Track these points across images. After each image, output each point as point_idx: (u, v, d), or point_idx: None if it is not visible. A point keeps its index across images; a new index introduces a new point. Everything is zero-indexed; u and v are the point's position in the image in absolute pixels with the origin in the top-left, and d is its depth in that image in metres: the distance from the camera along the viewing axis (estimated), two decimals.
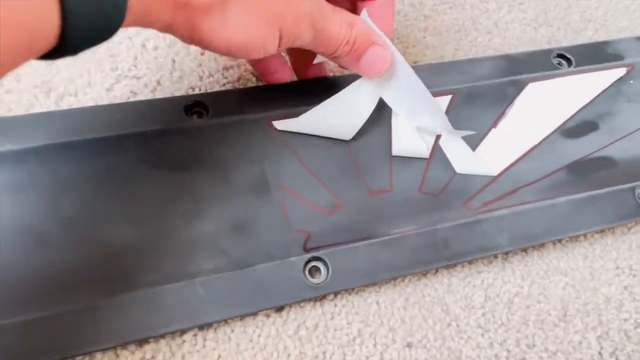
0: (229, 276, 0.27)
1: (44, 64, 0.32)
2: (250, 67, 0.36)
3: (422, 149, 0.33)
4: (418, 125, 0.34)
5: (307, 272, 0.28)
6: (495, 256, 0.32)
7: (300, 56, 0.34)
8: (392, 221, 0.31)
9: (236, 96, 0.34)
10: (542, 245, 0.33)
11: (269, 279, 0.28)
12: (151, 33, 0.36)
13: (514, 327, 0.29)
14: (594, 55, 0.41)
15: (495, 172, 0.34)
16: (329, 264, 0.28)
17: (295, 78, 0.35)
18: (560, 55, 0.41)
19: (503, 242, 0.31)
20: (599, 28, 0.46)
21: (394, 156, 0.33)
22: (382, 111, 0.34)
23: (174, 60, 0.35)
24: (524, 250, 0.32)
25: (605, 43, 0.42)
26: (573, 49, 0.41)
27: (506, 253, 0.32)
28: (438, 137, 0.34)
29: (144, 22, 0.22)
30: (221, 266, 0.27)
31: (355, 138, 0.33)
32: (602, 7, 0.48)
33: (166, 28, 0.23)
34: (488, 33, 0.44)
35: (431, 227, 0.30)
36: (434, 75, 0.37)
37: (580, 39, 0.45)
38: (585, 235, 0.34)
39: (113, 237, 0.27)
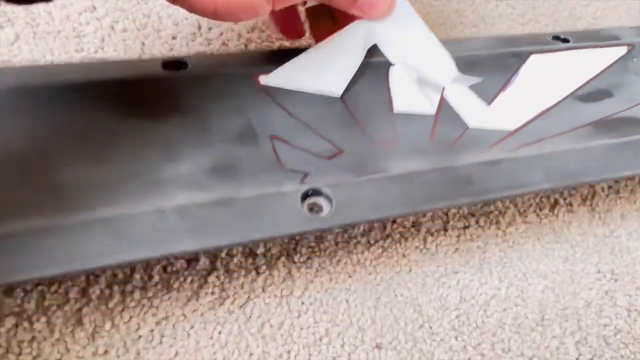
0: (209, 205, 0.23)
1: (4, 45, 0.31)
2: None
3: (427, 105, 0.30)
4: (420, 76, 0.31)
5: (305, 207, 0.24)
6: (473, 256, 0.29)
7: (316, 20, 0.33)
8: (402, 163, 0.27)
9: (219, 57, 0.31)
10: (522, 245, 0.30)
11: (259, 208, 0.24)
12: (120, 14, 0.34)
13: (489, 330, 0.27)
14: (591, 37, 0.39)
15: (514, 126, 0.31)
16: (331, 197, 0.24)
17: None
18: (557, 38, 0.38)
19: (538, 179, 0.27)
20: (588, 26, 0.45)
21: (396, 114, 0.30)
22: (379, 63, 0.31)
23: (143, 44, 0.33)
24: (502, 250, 0.30)
25: (601, 29, 0.40)
26: (569, 33, 0.38)
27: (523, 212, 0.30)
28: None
29: None
30: (200, 201, 0.24)
31: (350, 95, 0.30)
32: (591, 5, 0.46)
33: None
34: (474, 27, 0.42)
35: (451, 165, 0.27)
36: None
37: None
38: (566, 238, 0.31)
39: (77, 171, 0.24)
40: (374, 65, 0.31)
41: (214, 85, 0.29)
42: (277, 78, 0.30)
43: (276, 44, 0.36)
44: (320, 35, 0.33)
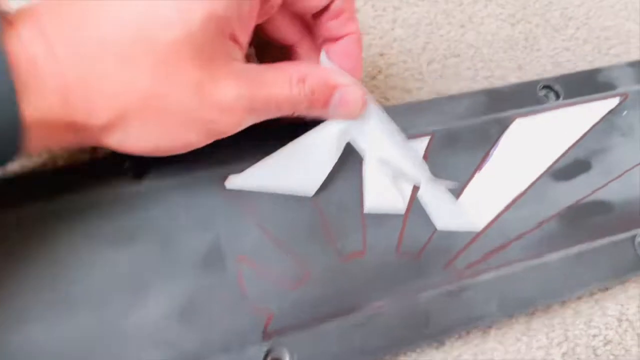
0: None
1: None
2: None
3: (398, 203, 0.30)
4: (392, 175, 0.30)
5: None
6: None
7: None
8: (365, 293, 0.28)
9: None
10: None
11: None
12: None
13: (471, 340, 0.29)
14: (583, 84, 0.36)
15: (480, 227, 0.31)
16: (294, 353, 0.26)
17: None
18: (548, 87, 0.36)
19: (492, 310, 0.28)
20: (580, 26, 0.41)
21: (367, 214, 0.30)
22: (351, 160, 0.30)
23: None
24: None
25: (596, 71, 0.37)
26: (561, 79, 0.36)
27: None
28: (415, 188, 0.31)
29: (46, 146, 0.23)
30: None
31: (322, 193, 0.30)
32: (585, 4, 0.42)
33: (73, 145, 0.24)
34: (461, 27, 0.39)
35: (410, 300, 0.28)
36: (409, 116, 0.33)
37: (559, 36, 0.41)
38: None
39: (33, 332, 0.24)
40: (347, 159, 0.30)
41: (177, 195, 0.28)
42: (246, 180, 0.29)
43: None
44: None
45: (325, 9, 0.27)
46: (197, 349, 0.25)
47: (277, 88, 0.25)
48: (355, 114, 0.28)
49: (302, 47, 0.29)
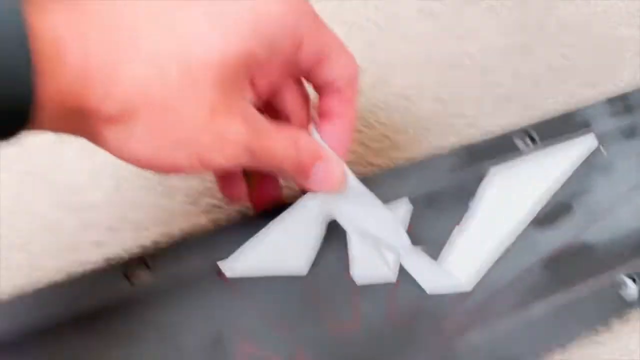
0: None
1: None
2: None
3: (387, 272, 0.32)
4: (376, 245, 0.32)
5: None
6: None
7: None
8: None
9: (179, 248, 0.32)
10: None
11: None
12: None
13: None
14: (560, 127, 0.38)
15: (470, 287, 0.32)
16: None
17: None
18: (523, 132, 0.37)
19: None
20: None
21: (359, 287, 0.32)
22: (340, 231, 0.32)
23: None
24: None
25: (572, 113, 0.38)
26: (536, 125, 0.37)
27: None
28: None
29: (51, 128, 0.22)
30: None
31: (312, 269, 0.32)
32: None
33: (69, 131, 0.23)
34: None
35: None
36: (387, 182, 0.35)
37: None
38: None
39: None
40: (337, 233, 0.32)
41: (178, 291, 0.30)
42: (239, 267, 0.31)
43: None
44: (260, 201, 0.33)
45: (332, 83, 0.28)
46: None
47: (275, 142, 0.26)
48: (333, 188, 0.29)
49: (296, 118, 0.30)
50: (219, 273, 0.31)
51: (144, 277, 0.30)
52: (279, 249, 0.31)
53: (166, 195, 0.35)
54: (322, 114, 0.30)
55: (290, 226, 0.31)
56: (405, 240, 0.31)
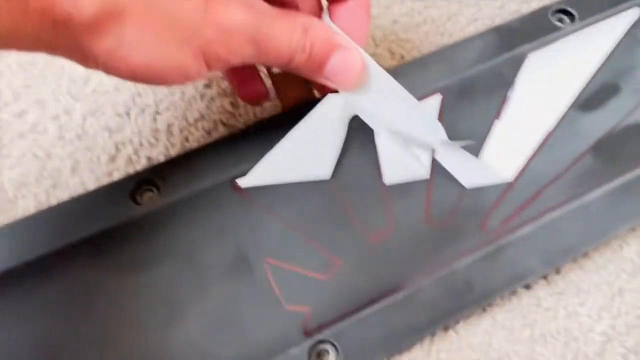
0: None
1: None
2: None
3: (419, 169, 0.29)
4: (407, 141, 0.29)
5: None
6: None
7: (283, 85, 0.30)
8: (401, 270, 0.26)
9: (187, 162, 0.29)
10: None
11: None
12: None
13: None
14: (600, 1, 0.33)
15: (511, 177, 0.29)
16: (337, 345, 0.25)
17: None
18: (560, 11, 0.33)
19: (535, 265, 0.26)
20: None
21: (389, 186, 0.29)
22: (363, 132, 0.29)
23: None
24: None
25: None
26: (574, 1, 0.33)
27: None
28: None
29: (13, 42, 0.18)
30: None
31: (338, 174, 0.29)
32: None
33: (49, 49, 0.19)
34: None
35: (448, 270, 0.26)
36: (415, 74, 0.31)
37: None
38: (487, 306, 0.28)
39: None
40: (360, 132, 0.29)
41: (192, 207, 0.27)
42: (257, 177, 0.28)
43: (243, 118, 0.32)
44: (288, 100, 0.29)
45: None
46: (240, 359, 0.25)
47: (282, 30, 0.23)
48: (352, 81, 0.26)
49: (305, 5, 0.27)
50: (234, 186, 0.28)
51: (153, 197, 0.28)
52: (300, 154, 0.28)
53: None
54: (333, 1, 0.26)
55: (310, 128, 0.28)
56: (440, 133, 0.28)
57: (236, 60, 0.23)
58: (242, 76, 0.29)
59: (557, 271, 0.28)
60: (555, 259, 0.27)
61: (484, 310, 0.27)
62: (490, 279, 0.26)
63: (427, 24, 0.36)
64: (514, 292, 0.28)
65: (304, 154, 0.28)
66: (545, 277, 0.28)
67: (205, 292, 0.26)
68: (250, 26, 0.22)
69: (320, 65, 0.25)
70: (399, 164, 0.29)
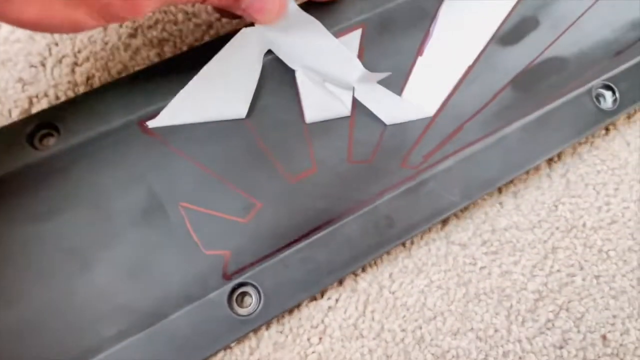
0: (139, 341, 0.23)
1: None
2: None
3: (340, 107, 0.28)
4: (328, 79, 0.28)
5: (234, 304, 0.24)
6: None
7: None
8: (322, 210, 0.26)
9: (90, 102, 0.26)
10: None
11: (191, 327, 0.23)
12: None
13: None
14: None
15: (432, 112, 0.28)
16: (258, 287, 0.24)
17: None
18: None
19: (455, 198, 0.27)
20: None
21: (309, 124, 0.27)
22: (282, 70, 0.28)
23: None
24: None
25: None
26: None
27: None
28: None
29: None
30: (128, 328, 0.23)
31: (256, 113, 0.27)
32: None
33: None
34: None
35: (370, 207, 0.26)
36: (334, 7, 0.29)
37: None
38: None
39: None
40: (278, 74, 0.27)
41: (97, 151, 0.25)
42: (169, 117, 0.26)
43: (151, 52, 0.29)
44: None
45: None
46: (157, 307, 0.23)
47: None
48: (271, 14, 0.25)
49: None
50: (143, 127, 0.26)
51: (53, 141, 0.25)
52: (213, 91, 0.26)
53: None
54: None
55: (224, 64, 0.26)
56: (359, 69, 0.27)
57: (142, 12, 0.21)
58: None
59: (493, 231, 0.28)
60: (475, 192, 0.27)
61: (419, 270, 0.27)
62: (411, 214, 0.26)
63: None
64: (449, 252, 0.28)
65: (217, 91, 0.26)
66: (480, 236, 0.28)
67: (116, 239, 0.24)
68: None
69: None
70: (320, 102, 0.27)
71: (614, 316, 0.27)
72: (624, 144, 0.31)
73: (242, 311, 0.24)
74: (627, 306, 0.28)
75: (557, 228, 0.29)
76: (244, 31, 0.26)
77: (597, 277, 0.28)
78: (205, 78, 0.26)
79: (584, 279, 0.28)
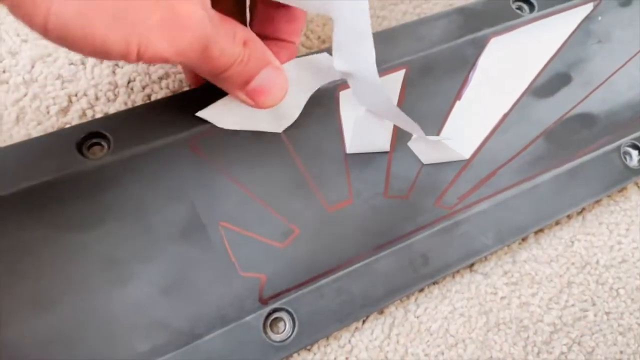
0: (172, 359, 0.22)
1: None
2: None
3: (381, 142, 0.28)
4: (371, 114, 0.27)
5: (268, 329, 0.24)
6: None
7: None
8: (358, 242, 0.26)
9: (142, 116, 0.26)
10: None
11: (225, 350, 0.23)
12: None
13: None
14: None
15: (467, 155, 0.29)
16: (293, 314, 0.24)
17: None
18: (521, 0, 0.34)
19: (488, 241, 0.27)
20: None
21: (350, 155, 0.28)
22: (326, 99, 0.28)
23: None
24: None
25: None
26: None
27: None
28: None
29: None
30: (162, 345, 0.22)
31: (299, 141, 0.27)
32: None
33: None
34: None
35: (404, 242, 0.26)
36: (381, 47, 0.30)
37: None
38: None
39: (16, 333, 0.22)
40: (324, 107, 0.28)
41: (145, 165, 0.25)
42: (216, 113, 0.26)
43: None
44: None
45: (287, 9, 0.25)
46: (192, 326, 0.23)
47: (226, 39, 0.21)
48: (273, 102, 0.25)
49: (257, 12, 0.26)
50: (192, 145, 0.26)
51: (102, 151, 0.25)
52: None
53: None
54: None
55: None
56: (405, 118, 0.27)
57: (175, 59, 0.20)
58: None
59: (514, 262, 0.29)
60: (507, 236, 0.27)
61: (444, 296, 0.28)
62: (445, 254, 0.26)
63: (405, 3, 0.35)
64: (472, 281, 0.28)
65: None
66: (502, 266, 0.29)
67: (155, 254, 0.24)
68: (206, 26, 0.20)
69: (248, 80, 0.23)
70: (362, 134, 0.28)
71: (621, 352, 0.28)
72: (636, 187, 0.32)
73: (276, 337, 0.24)
74: (633, 343, 0.28)
75: (573, 264, 0.30)
76: (320, 55, 0.26)
77: (607, 313, 0.29)
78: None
79: (595, 315, 0.29)
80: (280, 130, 0.27)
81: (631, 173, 0.30)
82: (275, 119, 0.27)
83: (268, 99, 0.24)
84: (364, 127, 0.28)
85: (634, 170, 0.30)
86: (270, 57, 0.24)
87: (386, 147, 0.28)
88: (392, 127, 0.28)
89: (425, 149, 0.28)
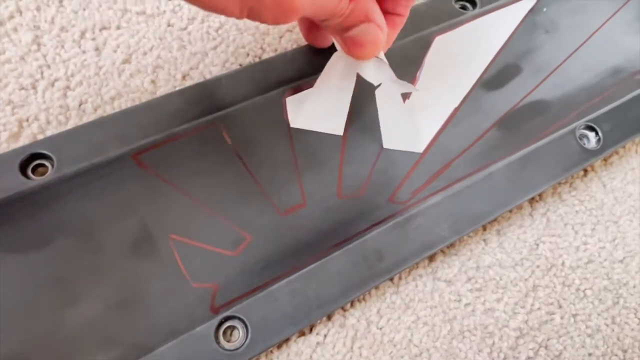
0: None
1: None
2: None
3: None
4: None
5: (221, 338, 0.23)
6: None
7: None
8: (312, 243, 0.25)
9: (85, 134, 0.26)
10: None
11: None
12: None
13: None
14: None
15: (422, 149, 0.29)
16: (245, 321, 0.23)
17: None
18: None
19: (444, 232, 0.26)
20: None
21: (300, 159, 0.27)
22: (276, 110, 0.28)
23: None
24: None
25: None
26: None
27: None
28: (346, 131, 0.28)
29: None
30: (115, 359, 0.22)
31: (248, 149, 0.27)
32: None
33: None
34: None
35: (358, 240, 0.25)
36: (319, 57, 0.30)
37: None
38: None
39: None
40: (269, 108, 0.28)
41: (90, 182, 0.25)
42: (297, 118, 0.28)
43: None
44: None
45: None
46: (145, 340, 0.22)
47: None
48: (368, 54, 0.25)
49: None
50: (137, 160, 0.26)
51: (46, 171, 0.25)
52: (321, 104, 0.28)
53: None
54: None
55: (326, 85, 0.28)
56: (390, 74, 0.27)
57: (294, 16, 0.21)
58: (310, 22, 0.29)
59: (477, 268, 0.28)
60: (462, 227, 0.27)
61: (407, 306, 0.27)
62: (400, 248, 0.26)
63: None
64: (436, 289, 0.27)
65: (322, 104, 0.28)
66: (465, 273, 0.28)
67: (106, 270, 0.23)
68: None
69: (347, 28, 0.24)
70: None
71: (590, 354, 0.27)
72: (601, 186, 0.31)
73: (228, 345, 0.23)
74: (602, 344, 0.27)
75: (538, 266, 0.28)
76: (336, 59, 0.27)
77: (574, 315, 0.27)
78: (316, 92, 0.28)
79: (562, 317, 0.27)
80: (341, 132, 0.28)
81: (589, 155, 0.29)
82: (333, 118, 0.28)
83: (359, 51, 0.25)
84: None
85: (592, 152, 0.30)
86: (374, 15, 0.24)
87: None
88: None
89: (392, 132, 0.28)
